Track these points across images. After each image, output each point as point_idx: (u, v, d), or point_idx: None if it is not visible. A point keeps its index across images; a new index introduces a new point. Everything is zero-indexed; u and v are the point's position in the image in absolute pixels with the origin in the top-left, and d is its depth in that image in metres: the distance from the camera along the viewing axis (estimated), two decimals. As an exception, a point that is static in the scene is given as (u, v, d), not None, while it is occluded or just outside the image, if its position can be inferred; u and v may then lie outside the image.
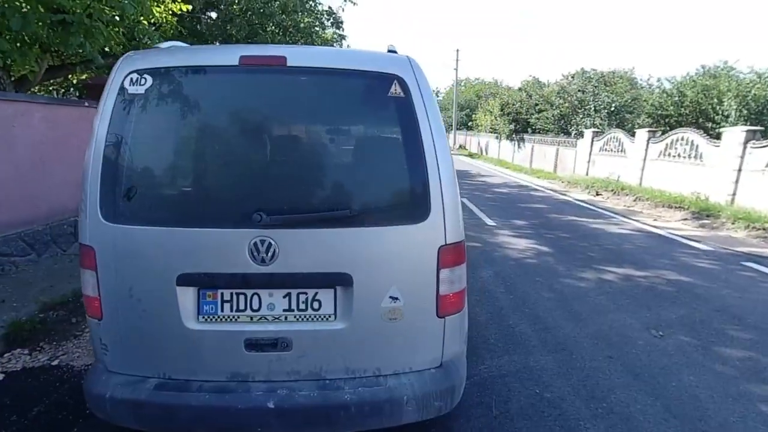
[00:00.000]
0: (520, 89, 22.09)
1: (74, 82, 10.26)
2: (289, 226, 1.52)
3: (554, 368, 2.62)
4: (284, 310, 1.59)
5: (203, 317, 1.57)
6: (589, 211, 7.90)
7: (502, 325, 3.22)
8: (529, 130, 18.42)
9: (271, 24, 10.92)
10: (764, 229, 6.19)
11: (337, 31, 23.62)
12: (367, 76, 1.59)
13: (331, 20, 15.06)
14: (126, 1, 4.78)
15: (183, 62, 1.56)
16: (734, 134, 7.82)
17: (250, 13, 10.44)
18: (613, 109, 14.43)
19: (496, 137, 21.61)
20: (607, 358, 2.76)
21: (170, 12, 7.19)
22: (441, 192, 1.56)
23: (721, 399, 2.34)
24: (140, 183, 1.54)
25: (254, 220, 1.48)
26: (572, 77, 17.05)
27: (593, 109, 14.88)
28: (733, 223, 6.65)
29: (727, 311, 3.52)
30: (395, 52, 1.86)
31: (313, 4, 13.17)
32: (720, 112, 11.62)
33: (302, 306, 1.59)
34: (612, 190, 10.18)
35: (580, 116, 15.40)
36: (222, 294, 1.57)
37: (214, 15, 10.97)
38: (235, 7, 10.38)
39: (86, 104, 5.05)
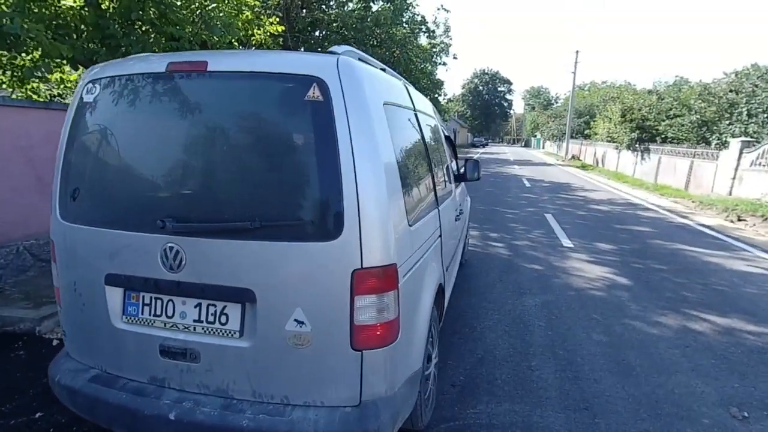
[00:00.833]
0: (649, 92, 19.04)
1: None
2: (195, 234, 1.50)
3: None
4: (194, 321, 1.57)
5: (127, 318, 1.64)
6: (710, 241, 6.37)
7: (521, 365, 2.77)
8: (657, 139, 15.72)
9: (365, 37, 11.43)
10: None
11: (443, 38, 23.66)
12: (285, 79, 1.49)
13: (426, 28, 15.10)
14: (218, 25, 5.49)
15: (121, 71, 1.66)
16: None
17: (344, 29, 11.09)
18: (776, 113, 11.41)
19: (616, 147, 18.98)
20: (642, 432, 2.15)
21: (268, 34, 8.05)
22: (358, 209, 1.40)
23: None
24: (81, 185, 1.69)
25: (158, 226, 1.49)
26: (740, 75, 13.77)
27: (746, 113, 11.99)
28: None
29: None
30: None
31: (408, 17, 13.37)
32: None
33: (211, 318, 1.56)
34: (763, 216, 8.02)
35: (728, 122, 12.55)
36: (143, 297, 1.62)
37: (317, 33, 11.94)
38: (333, 25, 11.14)
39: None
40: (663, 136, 15.40)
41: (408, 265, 1.65)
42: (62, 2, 5.76)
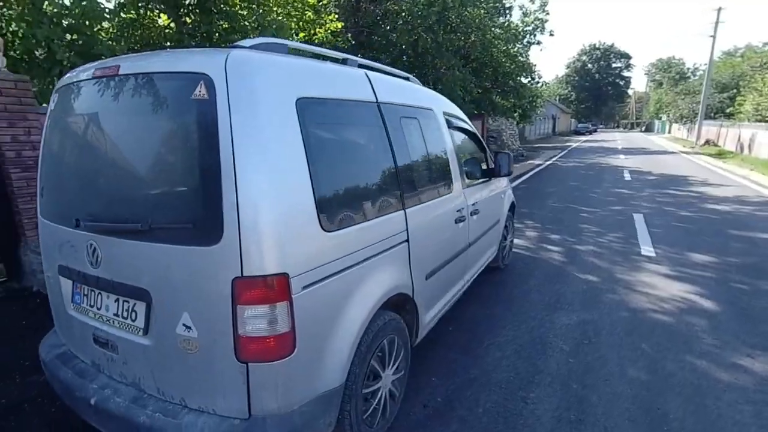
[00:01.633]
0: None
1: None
2: (104, 233, 1.59)
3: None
4: (113, 314, 1.66)
5: (74, 305, 1.81)
6: None
7: (516, 394, 2.36)
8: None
9: (435, 24, 10.97)
10: None
11: (538, 14, 21.66)
12: (177, 77, 1.47)
13: (503, 7, 14.01)
14: (272, 28, 5.75)
15: (68, 80, 1.82)
16: None
17: (410, 18, 10.77)
18: None
19: None
20: None
21: (329, 31, 8.22)
22: (237, 213, 1.32)
23: None
24: (44, 184, 1.92)
25: (73, 224, 1.64)
26: None
27: None
28: None
29: None
30: None
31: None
32: None
33: (125, 314, 1.62)
34: None
35: None
36: (83, 288, 1.76)
37: (385, 26, 11.82)
38: (401, 15, 10.88)
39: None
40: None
41: (319, 275, 1.52)
42: (157, 23, 6.60)
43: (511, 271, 4.30)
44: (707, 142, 23.92)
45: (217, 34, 6.05)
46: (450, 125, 2.95)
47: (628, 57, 65.59)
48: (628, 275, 4.19)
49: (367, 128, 1.97)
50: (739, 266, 4.40)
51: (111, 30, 5.96)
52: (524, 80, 19.67)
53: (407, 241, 2.07)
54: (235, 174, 1.32)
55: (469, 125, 3.47)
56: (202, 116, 1.39)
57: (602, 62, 64.93)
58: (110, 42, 5.18)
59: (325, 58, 2.17)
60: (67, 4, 4.69)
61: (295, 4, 7.73)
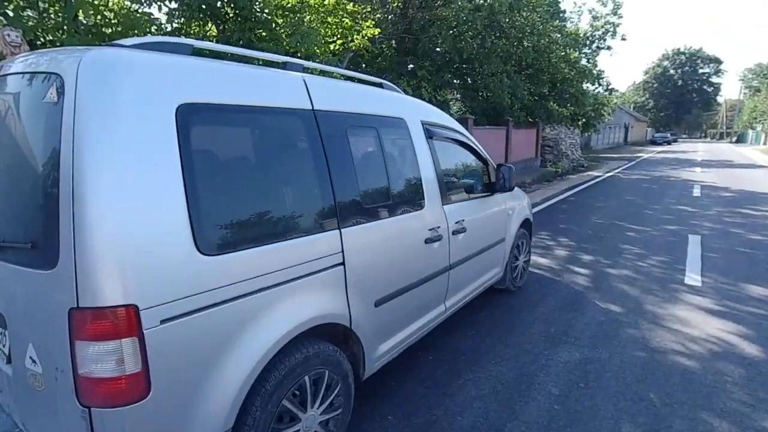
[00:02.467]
0: None
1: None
2: None
3: None
4: None
5: None
6: None
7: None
8: None
9: (485, 29, 10.63)
10: None
11: (609, 18, 20.21)
12: (36, 78, 1.35)
13: (555, 11, 13.23)
14: (299, 37, 5.91)
15: None
16: None
17: (457, 24, 10.52)
18: None
19: None
20: None
21: (366, 38, 8.26)
22: (74, 233, 1.17)
23: None
24: None
25: None
26: None
27: None
28: None
29: None
30: None
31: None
32: None
33: (1, 338, 1.52)
34: None
35: None
36: None
37: (432, 31, 11.68)
38: (445, 22, 10.67)
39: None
40: None
41: (190, 306, 1.33)
42: (205, 33, 7.03)
43: (521, 295, 3.93)
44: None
45: (253, 42, 6.29)
46: (432, 136, 2.73)
47: (718, 62, 59.01)
48: (659, 307, 3.63)
49: (290, 138, 1.81)
50: (812, 307, 3.63)
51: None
52: (589, 87, 18.39)
53: (343, 264, 1.89)
54: (72, 189, 1.17)
55: (464, 136, 3.22)
56: (49, 123, 1.26)
57: (687, 68, 59.04)
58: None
59: (261, 62, 2.05)
60: (109, 15, 5.15)
61: (335, 11, 7.86)
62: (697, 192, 10.46)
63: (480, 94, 12.85)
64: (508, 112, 12.83)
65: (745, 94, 61.01)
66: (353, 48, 8.49)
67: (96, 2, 4.90)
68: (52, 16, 4.65)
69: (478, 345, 3.03)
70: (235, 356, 1.46)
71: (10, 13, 4.38)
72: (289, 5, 7.01)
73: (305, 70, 2.08)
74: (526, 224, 4.08)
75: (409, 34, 10.97)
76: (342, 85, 2.22)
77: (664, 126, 58.58)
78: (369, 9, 9.04)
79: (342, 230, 1.90)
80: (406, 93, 10.82)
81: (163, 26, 6.37)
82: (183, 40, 1.62)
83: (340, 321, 1.88)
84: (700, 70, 59.60)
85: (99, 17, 5.05)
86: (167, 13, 6.57)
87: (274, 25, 6.32)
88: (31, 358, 1.34)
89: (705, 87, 60.37)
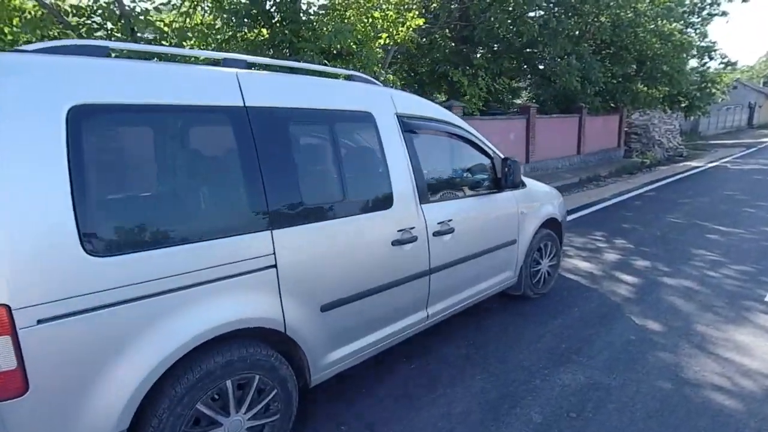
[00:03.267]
0: None
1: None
2: None
3: None
4: None
5: None
6: None
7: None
8: None
9: (557, 5, 9.72)
10: None
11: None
12: None
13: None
14: (332, 35, 6.01)
15: None
16: None
17: (515, 5, 9.73)
18: None
19: None
20: None
21: (410, 28, 8.07)
22: None
23: None
24: None
25: None
26: None
27: None
28: None
29: None
30: None
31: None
32: None
33: None
34: None
35: None
36: None
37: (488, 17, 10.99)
38: (500, 6, 9.91)
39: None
40: None
41: (74, 306, 1.36)
42: (257, 37, 7.48)
43: (541, 303, 3.52)
44: None
45: (294, 43, 6.50)
46: (412, 129, 2.53)
47: None
48: (715, 328, 2.98)
49: (209, 136, 1.78)
50: None
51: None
52: (693, 62, 15.81)
53: (275, 266, 1.82)
54: None
55: (460, 128, 2.93)
56: None
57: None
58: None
59: (191, 59, 1.98)
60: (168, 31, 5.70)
61: (379, 4, 7.78)
62: (828, 185, 8.44)
63: (549, 79, 11.79)
64: (581, 98, 11.59)
65: None
66: (397, 41, 8.33)
67: (150, 17, 5.45)
68: (118, 35, 5.27)
69: (470, 355, 2.77)
70: (130, 358, 1.48)
71: (84, 35, 5.07)
72: (330, 4, 7.10)
73: (249, 66, 2.04)
74: (551, 225, 3.64)
75: (465, 21, 10.44)
76: (286, 80, 2.11)
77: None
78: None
79: (274, 232, 1.83)
80: (461, 84, 10.34)
81: (217, 35, 6.89)
82: (100, 42, 1.64)
83: (270, 325, 1.82)
84: None
85: (157, 33, 5.60)
86: (224, 23, 7.09)
87: (314, 24, 6.45)
88: None
89: None
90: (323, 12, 6.86)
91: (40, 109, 1.36)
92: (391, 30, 8.02)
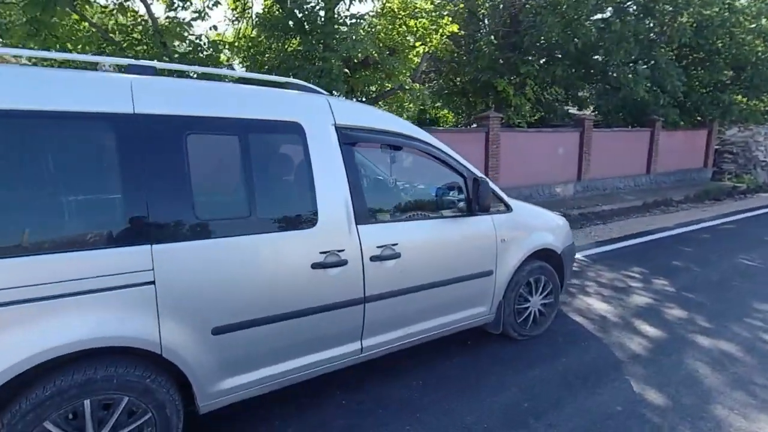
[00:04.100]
0: None
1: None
2: None
3: None
4: None
5: None
6: None
7: None
8: None
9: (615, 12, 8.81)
10: None
11: None
12: None
13: None
14: (350, 43, 5.97)
15: None
16: None
17: (567, 8, 8.88)
18: None
19: None
20: None
21: (444, 36, 7.76)
22: None
23: None
24: None
25: None
26: None
27: None
28: None
29: None
30: None
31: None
32: None
33: None
34: None
35: None
36: None
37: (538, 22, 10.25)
38: (550, 11, 9.10)
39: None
40: None
41: None
42: (286, 47, 7.76)
43: (524, 347, 3.04)
44: None
45: (318, 52, 6.56)
46: (354, 142, 2.29)
47: None
48: (739, 415, 2.32)
49: (89, 141, 1.71)
50: None
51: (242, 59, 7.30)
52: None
53: (153, 283, 1.72)
54: None
55: (424, 143, 2.60)
56: None
57: None
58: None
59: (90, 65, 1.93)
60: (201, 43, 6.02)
61: (417, 13, 7.60)
62: None
63: (617, 88, 10.66)
64: (653, 110, 10.29)
65: None
66: (430, 50, 8.04)
67: (180, 31, 5.79)
68: (152, 48, 5.68)
69: (411, 400, 2.44)
70: None
71: (125, 49, 5.51)
72: (359, 13, 7.06)
73: (157, 72, 1.97)
74: (548, 257, 3.15)
75: (514, 26, 9.81)
76: (191, 87, 2.01)
77: None
78: (461, 5, 8.35)
79: (154, 246, 1.73)
80: (506, 93, 9.72)
81: (252, 47, 7.17)
82: None
83: (141, 346, 1.72)
84: None
85: (189, 46, 5.94)
86: (265, 35, 7.37)
87: (338, 34, 6.43)
88: None
89: None
90: (353, 21, 6.82)
91: None
92: (426, 38, 7.78)
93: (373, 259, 2.23)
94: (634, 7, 9.04)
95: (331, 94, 2.65)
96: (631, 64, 9.71)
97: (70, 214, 1.68)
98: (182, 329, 1.79)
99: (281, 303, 2.03)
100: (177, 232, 1.78)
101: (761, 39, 10.98)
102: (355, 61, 6.57)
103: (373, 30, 6.96)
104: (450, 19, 7.76)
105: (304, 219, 2.09)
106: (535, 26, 9.33)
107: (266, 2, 7.23)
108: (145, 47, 5.52)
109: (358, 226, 2.20)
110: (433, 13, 7.47)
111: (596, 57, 10.23)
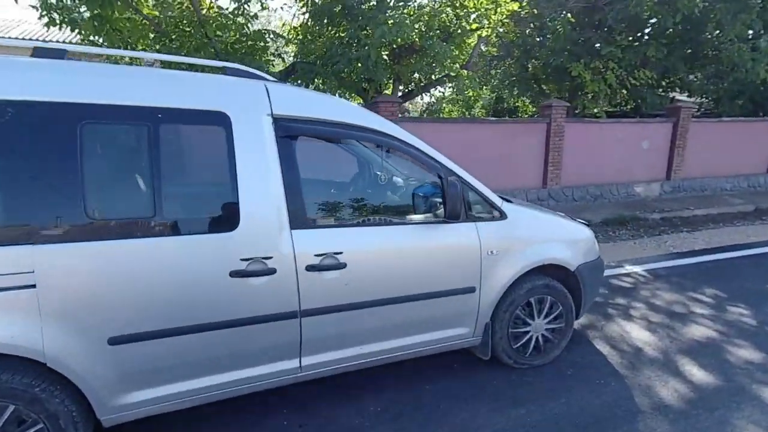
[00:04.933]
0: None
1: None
2: None
3: None
4: None
5: None
6: None
7: None
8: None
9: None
10: None
11: None
12: None
13: None
14: (385, 27, 5.77)
15: None
16: None
17: None
18: None
19: None
20: None
21: (503, 15, 7.11)
22: None
23: None
24: None
25: None
26: None
27: None
28: None
29: None
30: None
31: None
32: None
33: None
34: None
35: None
36: None
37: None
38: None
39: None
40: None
41: None
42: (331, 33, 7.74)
43: (518, 379, 2.61)
44: None
45: (361, 38, 6.42)
46: (297, 135, 2.08)
47: None
48: None
49: None
50: None
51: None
52: None
53: (34, 286, 1.61)
54: None
55: (391, 137, 2.29)
56: None
57: None
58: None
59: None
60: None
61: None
62: None
63: (724, 69, 8.88)
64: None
65: None
66: (488, 31, 7.39)
67: (226, 21, 6.08)
68: (198, 39, 6.03)
69: (359, 429, 2.22)
70: None
71: (174, 39, 5.96)
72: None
73: (68, 55, 1.82)
74: (558, 274, 2.67)
75: (595, 1, 8.62)
76: (90, 71, 1.81)
77: None
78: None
79: (36, 247, 1.62)
80: (582, 78, 8.66)
81: (297, 35, 7.30)
82: None
83: (20, 353, 1.62)
84: None
85: (232, 39, 6.23)
86: (315, 23, 7.46)
87: (379, 19, 6.22)
88: None
89: None
90: (400, 3, 6.54)
91: None
92: (484, 19, 7.20)
93: (309, 268, 2.02)
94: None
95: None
96: (750, 40, 8.00)
97: None
98: (71, 338, 1.68)
99: (193, 314, 1.88)
100: (64, 233, 1.66)
101: None
102: (395, 47, 6.30)
103: (424, 12, 6.59)
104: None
105: (222, 221, 1.91)
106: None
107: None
108: (193, 40, 5.86)
109: (293, 231, 2.00)
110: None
111: (706, 32, 8.59)
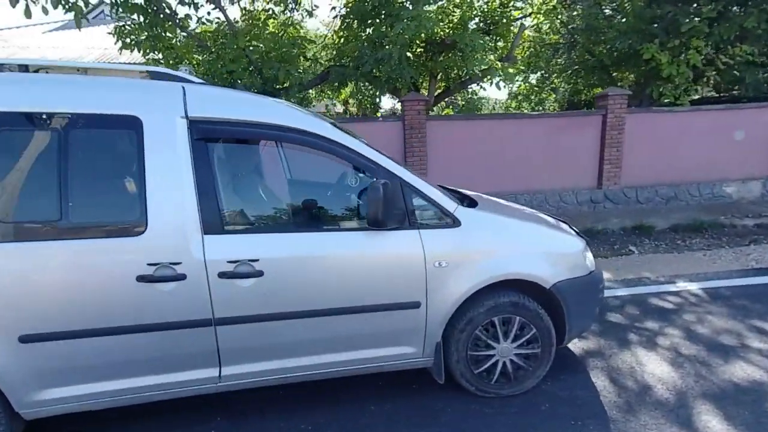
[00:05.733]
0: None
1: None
2: None
3: None
4: None
5: None
6: None
7: None
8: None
9: None
10: None
11: None
12: None
13: None
14: (405, 22, 5.61)
15: None
16: None
17: None
18: None
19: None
20: None
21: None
22: None
23: None
24: None
25: None
26: None
27: None
28: None
29: None
30: None
31: None
32: None
33: None
34: None
35: None
36: None
37: None
38: None
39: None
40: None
41: None
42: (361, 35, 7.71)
43: (478, 410, 2.28)
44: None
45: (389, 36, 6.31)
46: (214, 138, 2.06)
47: None
48: None
49: None
50: None
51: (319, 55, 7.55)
52: None
53: None
54: None
55: (322, 138, 2.12)
56: None
57: None
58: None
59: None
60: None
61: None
62: None
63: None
64: None
65: None
66: (533, 17, 6.73)
67: (257, 32, 6.39)
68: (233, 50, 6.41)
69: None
70: None
71: (214, 53, 6.44)
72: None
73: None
74: (531, 290, 2.31)
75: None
76: None
77: None
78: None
79: None
80: (657, 61, 7.55)
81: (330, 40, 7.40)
82: None
83: None
84: None
85: (268, 47, 6.54)
86: (349, 23, 7.54)
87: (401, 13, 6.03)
88: None
89: None
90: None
91: None
92: (528, 6, 6.60)
93: (222, 275, 1.97)
94: None
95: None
96: None
97: None
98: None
99: (102, 317, 1.93)
100: None
101: None
102: (424, 43, 6.05)
103: (454, 3, 6.26)
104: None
105: (129, 226, 1.93)
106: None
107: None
108: (229, 51, 6.31)
109: (205, 236, 1.97)
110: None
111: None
